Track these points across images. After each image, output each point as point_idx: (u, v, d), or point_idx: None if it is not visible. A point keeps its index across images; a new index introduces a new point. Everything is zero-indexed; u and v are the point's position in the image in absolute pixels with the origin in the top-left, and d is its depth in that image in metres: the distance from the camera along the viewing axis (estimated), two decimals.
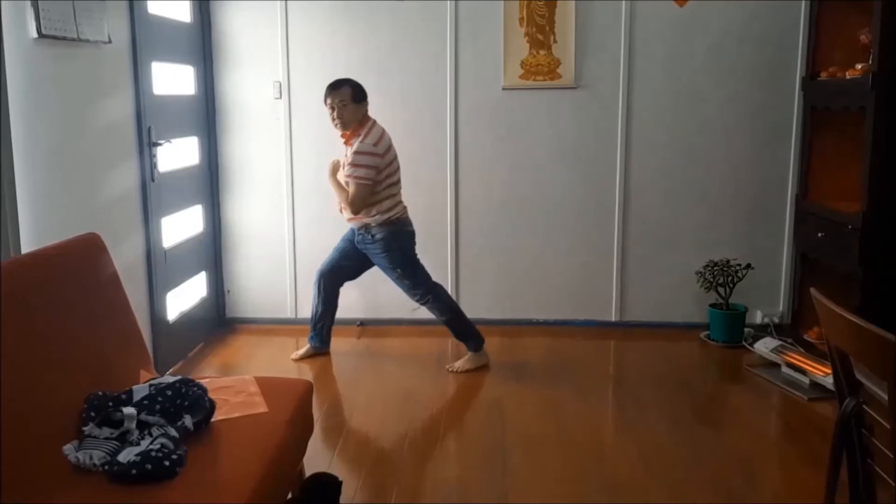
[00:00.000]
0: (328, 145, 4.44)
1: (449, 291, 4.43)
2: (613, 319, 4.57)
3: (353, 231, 3.90)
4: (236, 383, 2.52)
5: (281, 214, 4.56)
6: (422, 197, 4.32)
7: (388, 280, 3.92)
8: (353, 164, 3.68)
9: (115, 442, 2.02)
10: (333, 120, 3.75)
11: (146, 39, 3.61)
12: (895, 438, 1.52)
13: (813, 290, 1.79)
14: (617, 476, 2.87)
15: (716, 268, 4.27)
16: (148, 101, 3.62)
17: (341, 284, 4.05)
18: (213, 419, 2.24)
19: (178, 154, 4.08)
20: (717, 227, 4.45)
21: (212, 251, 4.55)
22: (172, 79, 4.06)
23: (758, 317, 4.47)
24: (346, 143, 3.79)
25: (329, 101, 3.74)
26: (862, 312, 1.60)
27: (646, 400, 3.57)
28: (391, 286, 3.95)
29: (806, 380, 3.66)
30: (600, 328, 4.55)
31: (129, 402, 2.14)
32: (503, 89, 4.39)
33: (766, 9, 4.25)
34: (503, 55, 4.35)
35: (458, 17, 4.34)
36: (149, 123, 3.61)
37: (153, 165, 3.67)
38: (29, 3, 2.70)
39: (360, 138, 3.70)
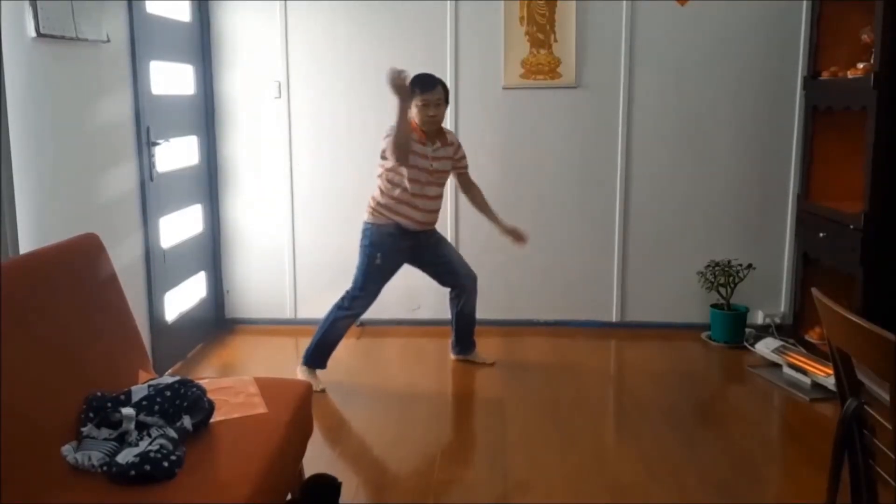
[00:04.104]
0: (328, 145, 4.45)
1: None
2: (614, 320, 4.56)
3: (417, 236, 3.71)
4: (236, 384, 2.51)
5: (280, 214, 4.55)
6: None
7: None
8: (465, 157, 3.85)
9: (113, 443, 2.02)
10: (430, 116, 3.54)
11: (145, 39, 3.60)
12: None
13: (814, 291, 1.78)
14: (618, 476, 2.86)
15: (717, 268, 4.27)
16: (146, 100, 3.61)
17: (453, 286, 3.94)
18: (212, 420, 2.23)
19: (177, 153, 4.07)
20: (719, 227, 4.44)
21: (211, 251, 4.54)
22: (171, 78, 4.05)
23: (759, 317, 4.46)
24: (421, 142, 3.59)
25: (427, 97, 3.53)
26: (863, 313, 1.59)
27: (646, 401, 3.56)
28: (391, 286, 3.92)
29: (807, 380, 3.65)
30: (601, 328, 4.54)
31: (127, 403, 2.13)
32: (503, 89, 4.38)
33: (768, 8, 4.24)
34: (503, 55, 4.35)
35: (458, 17, 4.34)
36: (147, 123, 3.60)
37: (152, 165, 3.66)
38: (27, 2, 2.69)
39: (452, 138, 3.77)
